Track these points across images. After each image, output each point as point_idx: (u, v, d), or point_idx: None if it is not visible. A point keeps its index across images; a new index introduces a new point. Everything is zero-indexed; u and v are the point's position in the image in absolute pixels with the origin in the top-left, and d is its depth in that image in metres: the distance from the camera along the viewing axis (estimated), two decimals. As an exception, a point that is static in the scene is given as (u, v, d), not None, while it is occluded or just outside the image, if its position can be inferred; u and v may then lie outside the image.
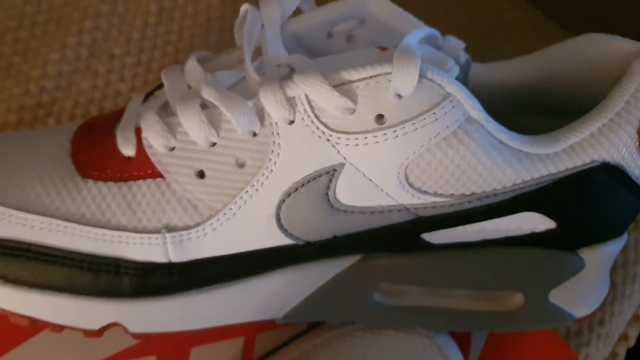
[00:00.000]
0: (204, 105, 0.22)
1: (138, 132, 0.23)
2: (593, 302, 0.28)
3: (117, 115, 0.25)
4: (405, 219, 0.23)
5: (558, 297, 0.27)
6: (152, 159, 0.23)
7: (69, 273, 0.23)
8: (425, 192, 0.22)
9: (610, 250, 0.26)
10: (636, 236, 0.40)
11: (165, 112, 0.24)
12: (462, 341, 0.32)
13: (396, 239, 0.24)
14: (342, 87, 0.21)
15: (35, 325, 0.24)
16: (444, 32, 0.45)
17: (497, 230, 0.24)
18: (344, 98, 0.21)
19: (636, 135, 0.24)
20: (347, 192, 0.22)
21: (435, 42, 0.25)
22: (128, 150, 0.23)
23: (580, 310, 0.27)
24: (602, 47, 0.26)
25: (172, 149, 0.23)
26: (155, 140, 0.23)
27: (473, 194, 0.23)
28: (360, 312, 0.27)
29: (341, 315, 0.27)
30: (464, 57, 0.26)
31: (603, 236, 0.26)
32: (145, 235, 0.23)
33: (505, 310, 0.27)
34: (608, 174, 0.24)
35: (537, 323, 0.27)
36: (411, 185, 0.22)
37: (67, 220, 0.23)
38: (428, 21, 0.46)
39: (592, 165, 0.23)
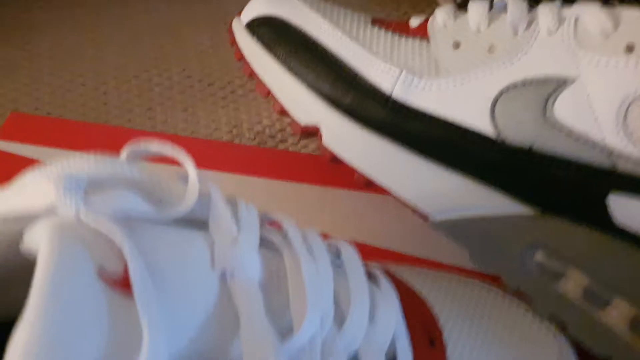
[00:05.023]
0: (491, 5, 0.27)
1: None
2: None
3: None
4: (601, 164, 0.24)
5: None
6: (429, 29, 0.28)
7: (320, 70, 0.28)
8: (636, 141, 0.23)
9: None
10: None
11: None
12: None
13: (582, 189, 0.24)
14: (608, 10, 0.24)
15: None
16: None
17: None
18: (608, 20, 0.24)
19: None
20: (564, 107, 0.24)
21: None
22: (415, 23, 0.29)
23: None
24: None
25: (445, 26, 0.28)
26: (440, 18, 0.28)
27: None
28: (508, 269, 0.26)
29: (489, 263, 0.27)
30: None
31: None
32: (388, 65, 0.27)
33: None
34: None
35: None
36: (626, 127, 0.23)
37: (344, 33, 0.29)
38: None
39: None
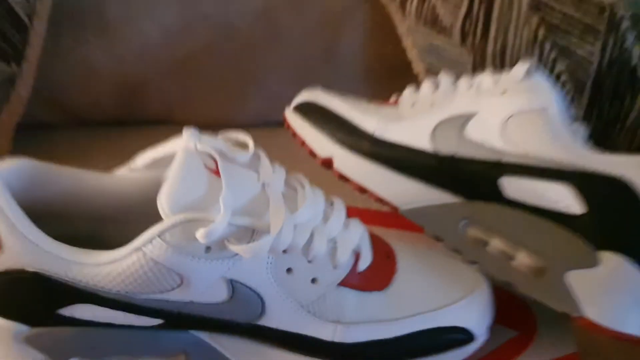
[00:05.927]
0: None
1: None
2: (606, 313, 0.35)
3: None
4: (492, 159, 0.39)
5: (575, 284, 0.36)
6: (400, 99, 0.46)
7: (334, 124, 0.46)
8: (510, 142, 0.39)
9: (628, 268, 0.35)
10: None
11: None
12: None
13: (483, 177, 0.39)
14: (494, 74, 0.41)
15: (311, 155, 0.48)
16: None
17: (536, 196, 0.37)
18: (493, 79, 0.41)
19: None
20: (471, 129, 0.41)
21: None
22: (392, 99, 0.47)
23: (590, 310, 0.35)
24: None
25: (409, 95, 0.46)
26: (406, 92, 0.46)
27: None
28: (448, 236, 0.41)
29: (437, 234, 0.42)
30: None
31: (626, 249, 0.35)
32: (372, 117, 0.45)
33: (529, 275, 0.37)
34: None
35: (547, 297, 0.36)
36: (504, 135, 0.39)
37: (348, 105, 0.47)
38: None
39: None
